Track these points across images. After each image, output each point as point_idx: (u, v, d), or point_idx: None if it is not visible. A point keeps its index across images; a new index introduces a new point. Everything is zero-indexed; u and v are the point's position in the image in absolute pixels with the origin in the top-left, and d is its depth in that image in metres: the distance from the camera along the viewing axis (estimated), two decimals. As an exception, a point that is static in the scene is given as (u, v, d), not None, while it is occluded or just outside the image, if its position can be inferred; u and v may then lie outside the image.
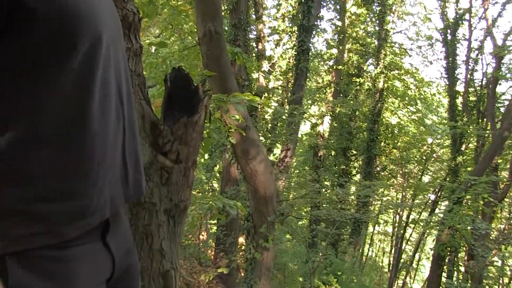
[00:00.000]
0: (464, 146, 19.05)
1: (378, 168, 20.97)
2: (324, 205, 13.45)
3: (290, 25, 14.79)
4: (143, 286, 2.09)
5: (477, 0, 20.81)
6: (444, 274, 15.37)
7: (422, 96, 23.20)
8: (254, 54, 14.52)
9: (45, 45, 0.87)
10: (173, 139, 2.11)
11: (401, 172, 24.51)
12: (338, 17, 19.27)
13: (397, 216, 26.46)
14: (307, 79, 14.75)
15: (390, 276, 23.41)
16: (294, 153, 13.78)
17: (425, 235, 22.16)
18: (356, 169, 21.42)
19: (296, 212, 13.80)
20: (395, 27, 21.63)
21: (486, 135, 16.90)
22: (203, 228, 14.21)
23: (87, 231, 1.02)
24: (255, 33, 15.03)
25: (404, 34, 38.18)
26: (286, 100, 15.58)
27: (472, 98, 19.86)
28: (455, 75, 19.62)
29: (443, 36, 20.49)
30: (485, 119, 19.09)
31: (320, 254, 14.06)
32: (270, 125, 14.74)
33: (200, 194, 13.52)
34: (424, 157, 22.12)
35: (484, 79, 19.77)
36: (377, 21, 19.68)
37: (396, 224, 26.61)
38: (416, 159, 23.00)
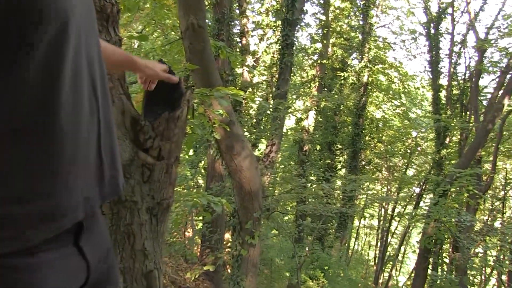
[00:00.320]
0: (448, 139, 19.17)
1: (363, 162, 21.04)
2: (310, 200, 13.45)
3: (274, 19, 14.73)
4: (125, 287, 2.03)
5: (460, -6, 20.88)
6: (429, 266, 15.46)
7: (406, 90, 23.29)
8: (238, 49, 14.44)
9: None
10: (154, 135, 2.04)
11: (386, 165, 24.66)
12: (322, 11, 19.23)
13: (383, 210, 26.62)
14: (292, 74, 14.69)
15: (376, 269, 23.59)
16: (279, 148, 13.73)
17: (410, 228, 22.31)
18: (341, 163, 21.46)
19: (282, 207, 13.79)
20: (379, 21, 21.67)
21: (470, 128, 16.99)
22: (188, 225, 14.12)
23: (57, 235, 0.93)
24: (238, 28, 14.96)
25: (388, 28, 38.50)
26: (270, 95, 15.55)
27: (455, 92, 19.99)
28: (439, 68, 19.72)
29: (426, 30, 20.57)
30: (468, 112, 19.22)
31: (307, 249, 14.06)
32: (255, 120, 14.69)
33: (185, 190, 13.45)
34: (408, 151, 22.26)
35: (467, 72, 19.91)
36: (361, 15, 19.69)
37: (382, 218, 26.77)
38: (400, 152, 23.14)
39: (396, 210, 24.22)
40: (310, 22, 41.97)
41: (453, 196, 13.77)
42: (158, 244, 2.19)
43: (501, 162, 20.59)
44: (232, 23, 12.08)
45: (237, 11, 14.63)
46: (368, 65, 19.08)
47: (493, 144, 17.67)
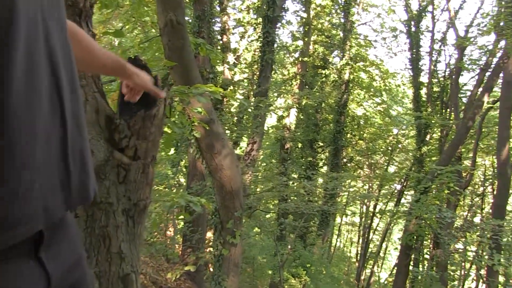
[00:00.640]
0: (428, 136, 19.33)
1: (345, 160, 21.09)
2: (292, 198, 13.44)
3: (255, 17, 14.67)
4: (101, 292, 1.96)
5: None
6: (410, 263, 15.56)
7: (387, 88, 23.43)
8: (218, 47, 14.37)
9: None
10: (130, 134, 1.98)
11: (367, 163, 24.78)
12: (303, 8, 19.22)
13: (364, 207, 26.76)
14: (273, 71, 14.64)
15: (358, 266, 23.74)
16: (261, 146, 13.70)
17: (392, 225, 22.45)
18: (323, 160, 21.49)
19: (264, 206, 13.75)
20: (360, 19, 21.77)
21: (450, 125, 17.14)
22: (170, 224, 14.04)
23: (10, 247, 0.85)
24: (219, 25, 14.88)
25: (369, 26, 38.69)
26: (251, 93, 15.50)
27: (436, 89, 20.18)
28: (419, 66, 19.88)
29: (407, 28, 20.71)
30: (448, 109, 19.39)
31: (289, 247, 14.06)
32: (236, 118, 14.62)
33: (167, 189, 13.36)
34: (389, 148, 22.40)
35: (447, 70, 20.10)
36: (342, 13, 19.73)
37: (363, 215, 26.91)
38: (382, 150, 23.27)
39: (378, 207, 24.37)
40: (291, 19, 41.96)
41: (433, 192, 13.85)
42: (135, 247, 2.12)
43: (480, 159, 20.80)
44: (213, 20, 12.00)
45: (218, 8, 14.55)
46: (350, 62, 19.13)
47: (473, 141, 17.85)
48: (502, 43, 13.96)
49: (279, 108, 17.19)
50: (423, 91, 20.32)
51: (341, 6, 19.90)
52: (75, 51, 1.30)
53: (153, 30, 11.41)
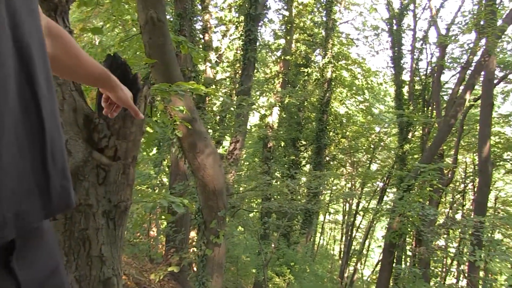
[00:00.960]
0: (410, 134, 19.45)
1: (328, 158, 21.11)
2: (275, 197, 13.42)
3: (237, 15, 14.62)
4: (81, 297, 1.90)
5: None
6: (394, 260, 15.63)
7: (369, 86, 23.54)
8: (200, 45, 14.29)
9: None
10: (109, 133, 1.92)
11: (350, 161, 24.87)
12: (285, 7, 19.22)
13: (347, 205, 26.86)
14: (255, 70, 14.62)
15: (341, 263, 23.81)
16: (244, 145, 13.64)
17: (374, 222, 22.54)
18: (306, 159, 21.51)
19: (247, 205, 13.71)
20: (342, 17, 21.87)
21: (432, 122, 17.25)
22: (153, 224, 13.93)
23: None
24: (201, 23, 14.81)
25: (351, 24, 38.91)
26: (234, 92, 15.45)
27: (417, 87, 20.34)
28: (401, 64, 20.02)
29: (388, 26, 20.83)
30: (430, 107, 19.52)
31: (273, 245, 14.04)
32: (218, 117, 14.57)
33: (149, 189, 13.26)
34: (372, 146, 22.47)
35: (429, 68, 20.23)
36: (324, 11, 19.75)
37: (346, 213, 27.02)
38: (364, 148, 23.35)
39: (361, 205, 24.48)
40: (273, 18, 42.06)
41: (415, 189, 13.93)
42: (117, 249, 2.06)
43: (460, 156, 20.98)
44: (194, 18, 11.93)
45: (199, 7, 14.49)
46: (332, 61, 19.16)
47: (454, 139, 17.98)
48: (483, 41, 14.05)
49: (261, 106, 17.17)
50: (405, 89, 20.47)
51: (323, 5, 19.94)
52: (59, 56, 1.24)
53: (134, 29, 11.30)
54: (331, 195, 22.09)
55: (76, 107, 1.89)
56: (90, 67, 1.41)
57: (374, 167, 24.35)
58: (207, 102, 13.19)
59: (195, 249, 7.69)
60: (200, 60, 10.93)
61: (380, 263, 18.07)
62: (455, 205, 22.08)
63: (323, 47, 19.58)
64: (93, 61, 1.43)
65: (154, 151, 13.83)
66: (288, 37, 18.60)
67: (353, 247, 24.29)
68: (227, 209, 7.32)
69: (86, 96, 2.08)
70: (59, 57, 1.22)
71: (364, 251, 25.85)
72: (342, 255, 26.22)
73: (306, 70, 20.08)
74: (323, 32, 19.79)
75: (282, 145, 20.85)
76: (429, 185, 13.62)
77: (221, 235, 6.69)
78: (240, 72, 13.40)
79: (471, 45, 15.55)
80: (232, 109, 12.84)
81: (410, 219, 12.19)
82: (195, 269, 9.81)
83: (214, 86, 14.60)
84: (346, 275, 23.07)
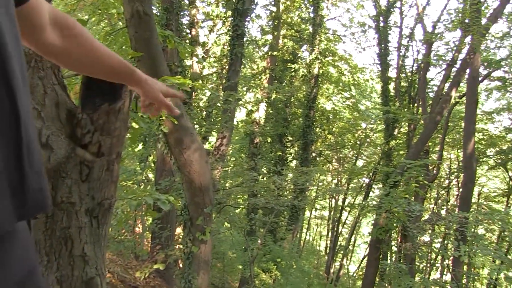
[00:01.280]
0: (396, 130, 19.54)
1: (314, 154, 21.15)
2: (262, 193, 13.40)
3: (224, 10, 14.56)
4: (63, 298, 1.84)
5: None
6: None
7: (355, 82, 23.62)
8: (187, 40, 14.21)
9: None
10: (93, 129, 1.85)
11: (336, 157, 24.92)
12: (272, 2, 19.20)
13: (333, 201, 26.94)
14: (242, 66, 14.57)
15: (327, 259, 23.87)
16: (230, 141, 13.60)
17: (360, 218, 22.65)
18: (292, 155, 21.55)
19: (234, 201, 13.69)
20: (329, 14, 21.83)
21: (418, 119, 17.34)
22: (138, 221, 13.84)
23: None
24: (188, 18, 14.72)
25: (338, 20, 38.95)
26: (221, 87, 15.39)
27: (403, 84, 20.46)
28: (387, 61, 20.11)
29: (375, 23, 20.90)
30: (416, 104, 19.63)
31: (259, 241, 14.03)
32: (204, 112, 14.50)
33: (135, 186, 13.17)
34: (358, 142, 22.54)
35: (415, 65, 20.34)
36: (312, 7, 19.74)
37: (332, 208, 27.10)
38: (350, 144, 23.42)
39: (347, 201, 24.56)
40: (260, 13, 42.01)
41: (401, 185, 13.99)
42: (100, 249, 2.00)
43: (445, 152, 21.12)
44: (181, 13, 11.84)
45: (187, 1, 14.40)
46: (319, 57, 19.17)
47: (439, 135, 18.09)
48: (468, 39, 14.13)
49: (248, 102, 17.13)
50: (391, 85, 20.57)
51: (310, 1, 19.94)
52: (70, 48, 1.15)
53: (120, 23, 11.20)
54: (318, 191, 22.15)
55: (58, 102, 1.82)
56: (108, 60, 1.31)
57: (360, 163, 24.45)
58: (193, 97, 13.11)
59: (181, 246, 7.63)
60: (186, 55, 10.89)
61: (366, 259, 18.14)
62: (440, 200, 22.24)
63: (310, 43, 19.58)
64: (111, 54, 1.33)
65: (140, 146, 13.75)
66: (275, 33, 18.57)
67: (339, 243, 24.37)
68: (214, 206, 7.27)
69: (69, 90, 2.01)
70: (70, 50, 1.14)
71: (350, 247, 25.96)
72: (328, 250, 26.31)
73: (293, 66, 20.09)
74: (310, 28, 19.80)
75: (269, 141, 20.84)
76: (415, 181, 13.68)
77: (207, 232, 6.63)
78: (227, 67, 13.34)
79: (457, 43, 15.64)
80: (218, 104, 12.77)
81: (396, 215, 12.24)
82: (181, 266, 9.75)
83: (200, 81, 14.53)
84: (332, 270, 23.13)
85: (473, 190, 14.18)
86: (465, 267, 13.13)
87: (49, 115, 1.78)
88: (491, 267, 11.29)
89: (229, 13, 13.26)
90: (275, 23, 18.72)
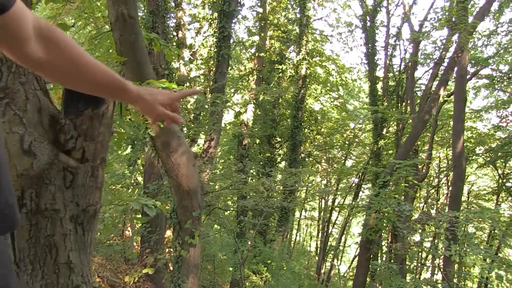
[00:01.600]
0: (385, 130, 19.58)
1: (303, 155, 21.17)
2: (251, 194, 13.39)
3: (211, 12, 14.54)
4: (48, 307, 1.81)
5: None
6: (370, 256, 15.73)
7: (343, 82, 23.68)
8: (174, 43, 14.17)
9: None
10: (77, 134, 1.83)
11: (325, 157, 24.96)
12: (259, 3, 19.19)
13: (323, 201, 26.97)
14: (229, 67, 14.54)
15: (318, 260, 23.87)
16: (218, 143, 13.55)
17: (350, 218, 22.70)
18: (281, 156, 21.56)
19: (224, 203, 13.65)
20: (316, 14, 21.89)
21: (406, 118, 17.39)
22: (128, 224, 13.77)
23: None
24: (174, 20, 14.68)
25: (324, 21, 39.02)
26: (208, 89, 15.35)
27: (391, 83, 20.49)
28: (375, 60, 20.16)
29: (362, 23, 20.95)
30: (404, 103, 19.69)
31: (249, 243, 14.01)
32: (192, 115, 14.45)
33: (124, 189, 13.11)
34: (347, 142, 22.58)
35: (403, 64, 20.40)
36: (298, 8, 19.77)
37: (322, 209, 27.13)
38: (339, 144, 23.46)
39: (336, 201, 24.60)
40: (247, 15, 42.05)
41: (390, 184, 14.02)
42: (86, 256, 1.97)
43: (434, 151, 21.22)
44: (167, 15, 11.81)
45: (173, 4, 14.37)
46: (306, 57, 19.20)
47: (428, 134, 18.15)
48: (455, 37, 14.20)
49: (236, 104, 17.10)
50: (379, 85, 20.62)
51: (297, 1, 19.97)
52: (56, 61, 1.10)
53: (107, 26, 11.14)
54: (307, 191, 22.16)
55: (41, 107, 1.79)
56: (98, 74, 1.22)
57: (349, 163, 24.51)
58: (181, 100, 13.05)
59: (171, 249, 7.60)
60: (174, 57, 10.86)
61: (356, 259, 18.16)
62: (430, 199, 22.34)
63: (297, 43, 19.60)
64: (102, 68, 1.23)
65: (129, 150, 13.69)
66: (262, 34, 18.57)
67: (329, 243, 24.40)
68: (202, 209, 7.23)
69: (53, 95, 1.98)
70: (55, 63, 1.08)
71: (341, 247, 26.01)
72: (318, 251, 26.33)
73: (280, 67, 20.11)
74: (297, 28, 19.83)
75: (257, 142, 20.84)
76: (404, 181, 13.71)
77: (196, 236, 6.59)
78: (214, 69, 13.31)
79: (444, 41, 15.71)
80: (206, 106, 12.73)
81: (387, 214, 12.26)
82: (171, 269, 9.71)
83: (188, 84, 14.48)
84: (323, 271, 23.14)
85: (462, 189, 14.22)
86: (456, 266, 13.17)
87: (32, 121, 1.75)
88: (482, 266, 11.33)
89: (215, 14, 13.24)
90: (262, 24, 18.72)
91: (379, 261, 17.27)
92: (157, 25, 10.63)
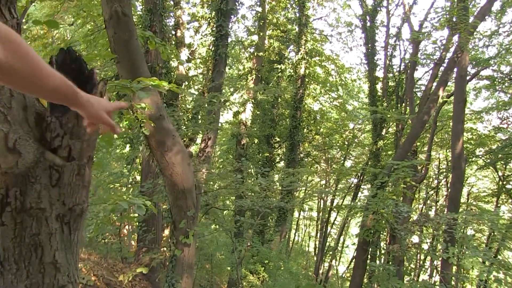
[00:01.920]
0: (384, 130, 19.55)
1: (302, 155, 21.16)
2: (249, 194, 13.36)
3: (209, 11, 14.51)
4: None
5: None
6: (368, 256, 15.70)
7: (343, 82, 23.66)
8: (173, 42, 14.14)
9: None
10: (63, 132, 1.81)
11: (324, 157, 24.94)
12: (258, 3, 19.16)
13: (322, 201, 26.96)
14: (228, 67, 14.52)
15: (316, 260, 23.86)
16: (215, 142, 13.51)
17: (349, 218, 22.68)
18: (280, 156, 21.53)
19: (223, 202, 13.63)
20: (315, 14, 21.88)
21: (406, 119, 17.35)
22: (125, 223, 13.76)
23: None
24: (173, 19, 14.64)
25: (324, 20, 39.05)
26: (206, 88, 15.33)
27: (391, 83, 20.46)
28: (375, 61, 20.15)
29: (362, 23, 20.94)
30: (403, 104, 19.66)
31: (248, 243, 14.00)
32: (190, 114, 14.42)
33: (124, 188, 13.11)
34: (346, 142, 22.56)
35: (402, 64, 20.37)
36: (297, 7, 19.76)
37: (321, 209, 27.12)
38: (338, 144, 23.44)
39: (335, 201, 24.59)
40: (246, 14, 42.02)
41: (389, 186, 13.98)
42: (73, 255, 1.95)
43: (433, 152, 21.20)
44: (165, 14, 11.76)
45: (172, 2, 14.33)
46: (305, 57, 19.19)
47: (427, 135, 18.12)
48: (456, 38, 14.16)
49: (234, 103, 17.08)
50: (379, 85, 20.59)
51: (296, 1, 19.96)
52: (11, 63, 1.07)
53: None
54: (306, 191, 22.15)
55: (26, 105, 1.77)
56: (52, 79, 1.20)
57: (348, 163, 24.48)
58: (180, 99, 13.03)
59: (165, 249, 7.57)
60: (172, 56, 10.84)
61: (354, 260, 18.14)
62: (428, 201, 22.31)
63: (296, 43, 19.60)
64: (55, 73, 1.22)
65: (127, 148, 13.68)
66: (261, 34, 18.54)
67: (328, 244, 24.40)
68: (198, 209, 7.19)
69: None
70: (10, 64, 1.07)
71: (339, 248, 26.00)
72: (317, 251, 26.32)
73: (279, 66, 20.09)
74: (297, 28, 19.81)
75: (256, 142, 20.81)
76: (403, 182, 13.68)
77: (191, 235, 6.55)
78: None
79: (444, 42, 15.67)
80: (206, 105, 12.70)
81: (385, 215, 12.23)
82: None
83: (186, 83, 14.45)
84: (321, 271, 23.14)
85: (461, 191, 14.19)
86: (454, 268, 13.14)
87: (16, 118, 1.73)
88: (480, 269, 11.30)
89: (213, 13, 13.20)
90: (261, 24, 18.68)
91: (378, 262, 17.24)
92: (154, 23, 10.60)
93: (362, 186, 21.58)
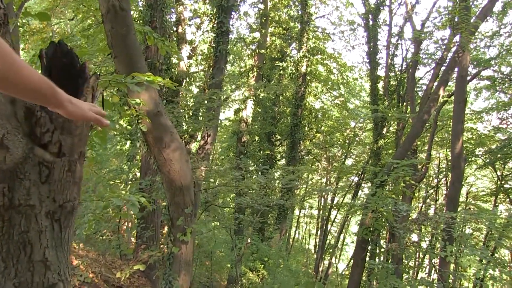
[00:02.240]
0: (385, 129, 19.54)
1: (303, 153, 21.14)
2: (250, 192, 13.34)
3: (210, 7, 14.48)
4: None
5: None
6: (367, 254, 15.68)
7: (344, 81, 23.64)
8: (174, 38, 14.09)
9: None
10: (53, 128, 1.77)
11: (325, 156, 24.92)
12: (260, 0, 19.12)
13: (322, 199, 26.97)
14: (230, 64, 14.47)
15: (316, 257, 23.85)
16: (215, 140, 13.47)
17: (349, 217, 22.68)
18: (281, 154, 21.52)
19: (223, 200, 13.61)
20: (318, 12, 21.84)
21: (407, 118, 17.33)
22: (124, 220, 13.74)
23: None
24: (175, 15, 14.60)
25: (327, 18, 38.99)
26: (205, 85, 15.31)
27: (392, 83, 20.45)
28: (376, 60, 20.13)
29: (364, 21, 20.91)
30: (404, 103, 19.64)
31: (248, 240, 13.99)
32: (191, 111, 14.38)
33: (123, 184, 13.10)
34: (347, 141, 22.55)
35: (404, 63, 20.36)
36: (300, 5, 19.71)
37: (321, 207, 27.13)
38: (339, 142, 23.43)
39: (336, 199, 24.59)
40: (248, 11, 41.95)
41: (389, 184, 13.96)
42: (63, 253, 1.91)
43: (434, 151, 21.18)
44: (166, 9, 11.70)
45: (173, -1, 14.30)
46: (307, 55, 19.16)
47: (428, 134, 18.09)
48: (457, 38, 14.12)
49: (235, 100, 17.04)
50: (380, 84, 20.56)
51: (298, -1, 19.91)
52: None
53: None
54: (306, 189, 22.14)
55: (14, 99, 1.72)
56: (30, 77, 1.15)
57: (349, 162, 24.47)
58: (180, 96, 12.99)
59: (163, 246, 7.54)
60: (171, 52, 10.81)
61: (353, 258, 18.14)
62: (428, 199, 22.31)
63: (298, 41, 19.56)
64: (33, 71, 1.16)
65: (128, 144, 13.66)
66: (263, 31, 18.50)
67: (328, 241, 24.41)
68: (198, 205, 7.16)
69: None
70: None
71: (339, 245, 26.02)
72: (317, 249, 26.33)
73: (281, 64, 20.05)
74: (299, 26, 19.77)
75: (257, 139, 20.80)
76: (403, 181, 13.64)
77: (189, 233, 6.50)
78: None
79: (446, 41, 15.62)
80: (206, 102, 12.66)
81: (385, 214, 12.21)
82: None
83: (187, 79, 14.40)
84: (321, 269, 23.14)
85: (460, 190, 14.17)
86: (452, 266, 13.13)
87: (4, 113, 1.69)
88: (477, 267, 11.31)
89: (215, 9, 13.16)
90: (263, 21, 18.65)
91: (377, 260, 17.23)
92: (155, 19, 10.56)
93: (362, 185, 21.56)
